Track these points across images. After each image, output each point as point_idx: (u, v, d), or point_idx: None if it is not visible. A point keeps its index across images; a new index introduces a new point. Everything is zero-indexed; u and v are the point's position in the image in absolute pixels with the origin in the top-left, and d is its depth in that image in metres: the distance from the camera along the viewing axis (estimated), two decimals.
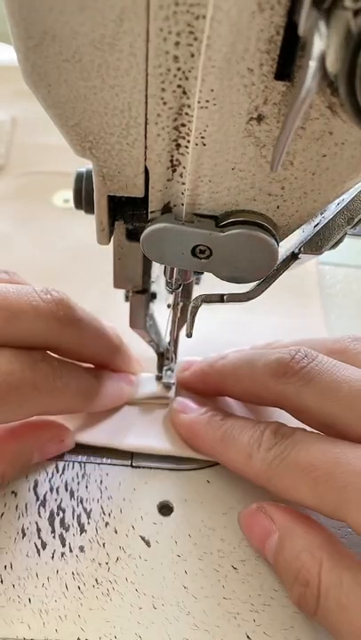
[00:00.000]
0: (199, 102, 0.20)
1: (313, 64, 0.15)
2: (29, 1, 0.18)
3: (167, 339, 0.37)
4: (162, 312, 0.35)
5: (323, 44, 0.15)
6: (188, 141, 0.21)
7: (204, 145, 0.21)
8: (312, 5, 0.16)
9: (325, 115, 0.20)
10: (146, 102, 0.20)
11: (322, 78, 0.16)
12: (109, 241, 0.27)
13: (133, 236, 0.26)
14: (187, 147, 0.21)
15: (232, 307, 0.44)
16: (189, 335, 0.35)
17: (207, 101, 0.20)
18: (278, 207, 0.24)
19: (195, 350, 0.38)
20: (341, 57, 0.15)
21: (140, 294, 0.32)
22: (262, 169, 0.22)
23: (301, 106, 0.17)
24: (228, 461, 0.33)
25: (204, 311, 0.35)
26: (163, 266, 0.31)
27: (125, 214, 0.25)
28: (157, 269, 0.32)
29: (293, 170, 0.22)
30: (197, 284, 0.34)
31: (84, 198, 0.27)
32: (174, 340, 0.37)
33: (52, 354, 0.32)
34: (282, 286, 0.33)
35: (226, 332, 0.45)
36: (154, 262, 0.30)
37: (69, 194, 0.57)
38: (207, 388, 0.37)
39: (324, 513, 0.28)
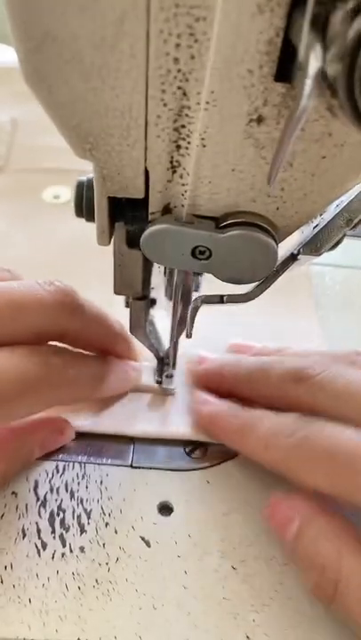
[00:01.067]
0: (199, 104, 0.20)
1: (309, 82, 0.16)
2: (30, 2, 0.18)
3: (167, 345, 0.37)
4: (162, 318, 0.35)
5: (319, 63, 0.16)
6: (189, 143, 0.21)
7: (204, 146, 0.21)
8: (309, 26, 0.16)
9: (325, 116, 0.20)
10: (146, 104, 0.20)
11: (321, 80, 0.17)
12: (110, 242, 0.27)
13: (133, 242, 0.26)
14: (187, 148, 0.21)
15: (229, 306, 0.44)
16: (189, 336, 0.35)
17: (207, 103, 0.20)
18: (278, 208, 0.24)
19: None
20: (340, 59, 0.15)
21: (140, 300, 0.32)
22: (262, 170, 0.22)
23: (297, 123, 0.17)
24: (247, 448, 0.34)
25: (202, 312, 0.36)
26: (163, 272, 0.31)
27: (126, 215, 0.25)
28: (157, 277, 0.32)
29: (293, 171, 0.22)
30: (196, 290, 0.34)
31: (84, 206, 0.27)
32: (174, 347, 0.37)
33: (61, 345, 0.33)
34: (276, 287, 0.33)
35: (223, 332, 0.45)
36: (154, 269, 0.31)
37: (59, 190, 0.58)
38: (220, 389, 0.38)
39: (341, 498, 0.28)
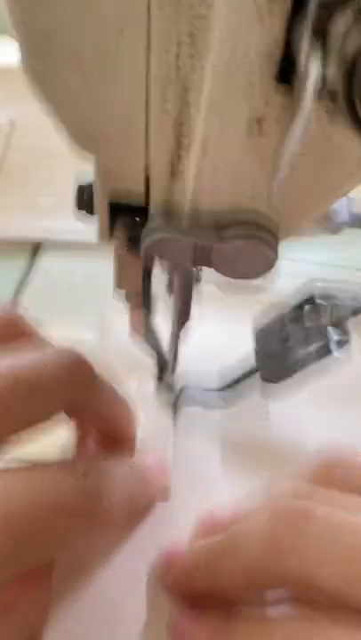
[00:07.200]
0: (199, 107, 0.20)
1: (309, 94, 0.16)
2: (30, 4, 0.18)
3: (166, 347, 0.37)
4: (162, 322, 0.35)
5: (319, 74, 0.16)
6: (189, 146, 0.21)
7: (205, 149, 0.21)
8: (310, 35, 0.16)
9: (325, 119, 0.20)
10: (146, 107, 0.20)
11: (321, 85, 0.17)
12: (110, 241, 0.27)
13: (133, 246, 0.26)
14: (187, 151, 0.21)
15: (234, 308, 0.44)
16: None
17: (207, 106, 0.20)
18: (278, 210, 0.24)
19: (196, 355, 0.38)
20: (340, 66, 0.16)
21: (141, 296, 0.32)
22: (263, 173, 0.22)
23: (298, 134, 0.17)
24: None
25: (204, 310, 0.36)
26: (164, 272, 0.32)
27: (126, 219, 0.25)
28: (158, 278, 0.32)
29: (293, 174, 0.22)
30: (197, 281, 0.34)
31: (86, 199, 0.27)
32: (174, 355, 0.37)
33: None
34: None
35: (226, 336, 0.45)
36: (154, 270, 0.31)
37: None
38: (198, 594, 0.27)
39: None
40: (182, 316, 0.34)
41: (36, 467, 0.24)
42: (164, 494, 0.32)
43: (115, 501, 0.26)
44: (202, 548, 0.27)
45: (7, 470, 0.23)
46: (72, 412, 0.28)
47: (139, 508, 0.30)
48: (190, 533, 0.30)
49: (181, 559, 0.28)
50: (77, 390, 0.27)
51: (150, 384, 0.39)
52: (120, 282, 0.30)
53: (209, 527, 0.30)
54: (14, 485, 0.22)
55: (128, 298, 0.32)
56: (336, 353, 0.30)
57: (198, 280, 0.34)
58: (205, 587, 0.27)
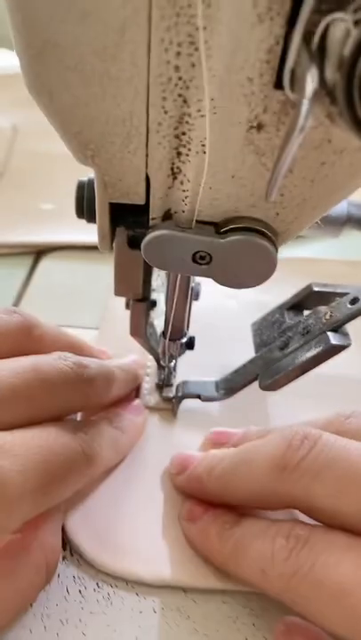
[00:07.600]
0: (199, 111, 0.20)
1: (306, 102, 0.16)
2: (31, 10, 0.18)
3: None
4: (162, 320, 0.35)
5: (315, 85, 0.16)
6: (189, 149, 0.21)
7: (205, 153, 0.21)
8: (304, 46, 0.16)
9: (324, 123, 0.20)
10: (147, 111, 0.20)
11: (320, 87, 0.17)
12: (111, 248, 0.27)
13: (134, 243, 0.26)
14: (187, 155, 0.22)
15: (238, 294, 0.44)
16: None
17: (208, 110, 0.20)
18: (278, 214, 0.24)
19: (197, 346, 0.38)
20: (339, 68, 0.16)
21: (141, 302, 0.32)
22: (262, 177, 0.22)
23: (295, 141, 0.17)
24: (243, 577, 0.28)
25: (205, 302, 0.36)
26: (165, 275, 0.32)
27: (127, 221, 0.26)
28: (158, 279, 0.32)
29: (293, 177, 0.22)
30: (196, 299, 0.34)
31: (85, 207, 0.27)
32: (170, 367, 0.37)
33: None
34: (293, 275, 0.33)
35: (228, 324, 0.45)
36: (154, 270, 0.31)
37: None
38: (207, 497, 0.31)
39: None
40: (177, 331, 0.34)
41: (43, 428, 0.28)
42: (142, 428, 0.38)
43: (104, 454, 0.31)
44: (215, 458, 0.31)
45: (26, 430, 0.27)
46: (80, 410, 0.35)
47: (121, 455, 0.35)
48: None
49: (196, 464, 0.32)
50: (85, 389, 0.32)
51: (150, 385, 0.40)
52: (120, 289, 0.30)
53: (220, 439, 0.34)
54: (31, 440, 0.27)
55: (128, 305, 0.33)
56: (335, 356, 0.30)
57: (197, 298, 0.34)
58: (216, 494, 0.30)
